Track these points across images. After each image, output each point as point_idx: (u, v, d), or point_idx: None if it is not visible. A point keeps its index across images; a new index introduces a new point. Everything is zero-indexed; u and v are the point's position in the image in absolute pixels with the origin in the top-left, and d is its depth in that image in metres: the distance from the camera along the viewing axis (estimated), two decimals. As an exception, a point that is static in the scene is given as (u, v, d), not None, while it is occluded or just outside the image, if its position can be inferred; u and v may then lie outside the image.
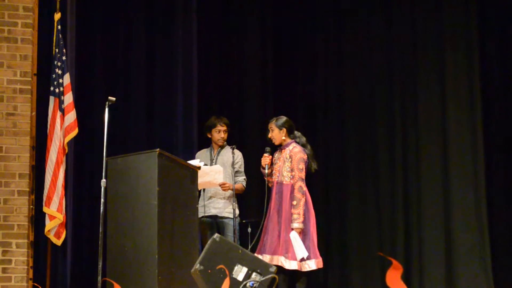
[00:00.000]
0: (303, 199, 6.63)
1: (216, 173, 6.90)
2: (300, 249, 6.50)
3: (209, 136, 7.35)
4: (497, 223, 8.36)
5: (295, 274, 6.65)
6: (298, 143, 6.91)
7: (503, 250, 8.32)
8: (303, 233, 6.61)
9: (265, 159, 6.89)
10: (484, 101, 8.49)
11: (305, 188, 6.69)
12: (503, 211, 8.41)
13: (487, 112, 8.51)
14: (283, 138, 6.89)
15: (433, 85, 8.59)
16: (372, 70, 8.82)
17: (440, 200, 8.39)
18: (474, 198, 8.31)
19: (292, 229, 6.57)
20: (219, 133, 7.28)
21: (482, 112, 8.44)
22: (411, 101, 8.65)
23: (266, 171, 6.87)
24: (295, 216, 6.57)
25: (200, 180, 6.66)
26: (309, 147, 6.91)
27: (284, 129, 6.88)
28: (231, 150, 7.20)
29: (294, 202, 6.61)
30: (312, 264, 6.61)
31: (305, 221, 6.63)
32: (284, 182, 6.75)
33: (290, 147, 6.85)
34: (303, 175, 6.71)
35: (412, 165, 8.54)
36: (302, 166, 6.72)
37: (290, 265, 6.51)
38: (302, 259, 6.53)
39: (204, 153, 7.38)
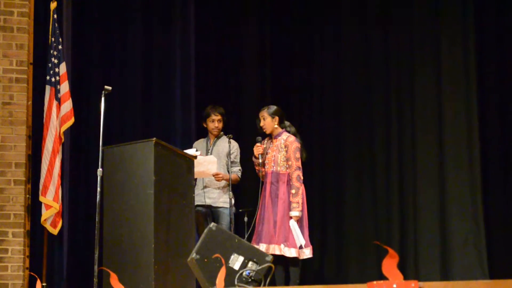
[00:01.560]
0: (302, 188, 6.68)
1: (210, 163, 6.91)
2: (299, 237, 6.55)
3: (205, 126, 7.36)
4: (492, 213, 8.37)
5: (289, 261, 6.68)
6: (289, 132, 6.93)
7: (498, 240, 8.32)
8: (299, 221, 6.65)
9: (258, 148, 6.90)
10: (480, 91, 8.48)
11: (302, 177, 6.72)
12: (499, 201, 8.41)
13: (483, 102, 8.51)
14: (275, 126, 6.91)
15: (429, 76, 8.57)
16: (368, 63, 8.79)
17: (436, 190, 8.40)
18: (469, 188, 8.31)
19: (291, 217, 6.61)
20: (213, 122, 7.27)
21: (478, 102, 8.43)
22: (407, 93, 8.64)
23: (260, 160, 6.88)
24: (294, 204, 6.61)
25: (195, 169, 6.68)
26: (299, 136, 6.93)
27: (277, 117, 6.91)
28: (227, 140, 7.22)
29: (293, 191, 6.64)
30: (308, 252, 6.67)
31: (302, 210, 6.67)
32: (280, 171, 6.77)
33: (284, 136, 6.86)
34: (300, 164, 6.75)
35: (408, 156, 8.54)
36: (298, 155, 6.76)
37: (291, 252, 6.55)
38: (301, 247, 6.58)
39: (201, 143, 7.39)
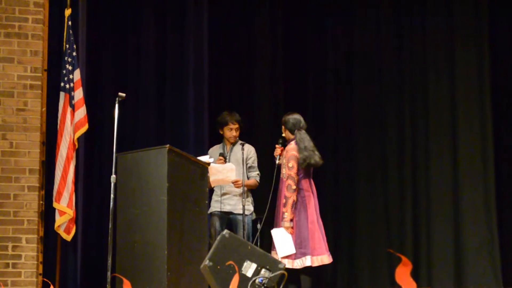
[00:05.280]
0: (292, 197, 6.59)
1: (228, 171, 6.92)
2: (283, 247, 6.48)
3: (221, 132, 7.36)
4: (506, 219, 8.35)
5: (300, 270, 6.64)
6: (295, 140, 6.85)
7: (512, 247, 8.32)
8: (293, 231, 6.58)
9: (276, 150, 6.93)
10: (494, 97, 8.47)
11: (294, 187, 6.62)
12: (512, 208, 8.41)
13: (497, 109, 8.50)
14: (284, 134, 6.94)
15: (443, 80, 8.58)
16: (382, 66, 8.78)
17: (449, 197, 8.38)
18: (483, 195, 8.30)
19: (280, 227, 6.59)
20: (231, 131, 7.27)
21: (492, 109, 8.42)
22: (421, 97, 8.64)
23: (277, 161, 6.91)
24: (284, 215, 6.58)
25: (213, 177, 6.70)
26: (303, 145, 6.79)
27: (284, 126, 6.91)
28: (247, 144, 7.25)
29: (284, 201, 6.62)
30: (307, 261, 6.58)
31: (297, 219, 6.60)
32: (283, 179, 6.78)
33: (289, 144, 6.87)
34: (292, 173, 6.66)
35: (421, 162, 8.53)
36: (292, 164, 6.68)
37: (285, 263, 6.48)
38: (295, 256, 6.51)
39: (216, 149, 7.38)
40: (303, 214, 6.66)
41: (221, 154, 7.17)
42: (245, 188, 7.12)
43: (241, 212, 7.15)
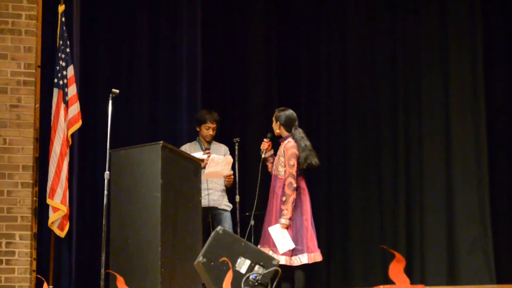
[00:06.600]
0: (293, 196, 6.57)
1: (227, 163, 6.93)
2: (283, 243, 6.47)
3: (198, 130, 7.34)
4: (499, 216, 8.35)
5: (291, 269, 6.62)
6: (294, 138, 6.81)
7: (506, 245, 8.30)
8: (291, 228, 6.57)
9: (264, 144, 6.91)
10: (488, 95, 8.46)
11: (295, 185, 6.60)
12: (506, 204, 8.40)
13: (491, 106, 8.49)
14: (277, 130, 6.87)
15: (436, 79, 8.55)
16: (375, 69, 8.76)
17: (443, 193, 8.38)
18: (477, 191, 8.29)
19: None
20: (208, 130, 7.25)
21: (486, 106, 8.41)
22: (414, 95, 8.63)
23: (263, 155, 6.90)
24: (284, 212, 6.55)
25: (210, 169, 6.69)
26: (304, 144, 6.77)
27: (278, 122, 6.85)
28: (222, 144, 7.32)
29: (284, 198, 6.58)
30: (304, 258, 6.57)
31: (293, 217, 6.59)
32: (278, 176, 6.73)
33: (286, 141, 6.80)
34: (293, 171, 6.63)
35: (415, 158, 8.52)
36: (293, 162, 6.64)
37: (279, 259, 6.46)
38: (292, 253, 6.51)
39: (192, 146, 7.33)
40: (299, 211, 6.65)
41: (207, 149, 7.17)
42: (227, 185, 7.20)
43: (225, 208, 7.22)
